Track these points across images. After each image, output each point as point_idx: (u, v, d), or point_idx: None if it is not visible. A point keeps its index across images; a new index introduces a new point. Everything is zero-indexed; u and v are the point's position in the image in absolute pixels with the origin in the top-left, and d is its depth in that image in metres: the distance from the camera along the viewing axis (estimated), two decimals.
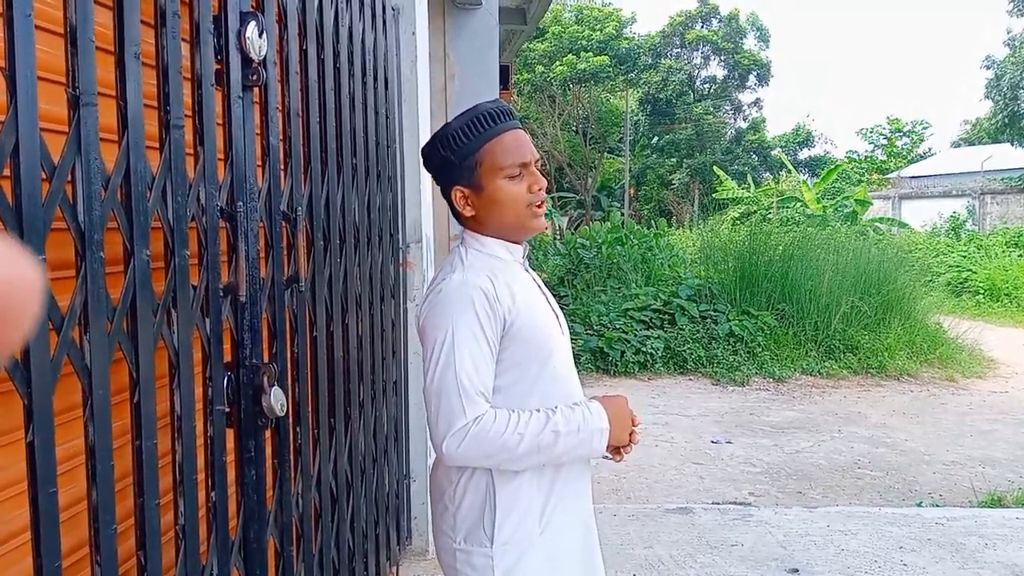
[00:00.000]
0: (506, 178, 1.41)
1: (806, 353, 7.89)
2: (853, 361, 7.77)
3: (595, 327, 8.17)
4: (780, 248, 9.09)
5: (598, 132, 27.29)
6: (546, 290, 1.55)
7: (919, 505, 4.11)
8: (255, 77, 1.74)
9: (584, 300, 9.39)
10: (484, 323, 1.32)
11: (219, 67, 1.66)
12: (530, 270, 1.53)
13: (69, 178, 1.21)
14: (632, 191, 28.50)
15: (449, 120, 1.46)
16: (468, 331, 1.31)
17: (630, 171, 27.90)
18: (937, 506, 4.11)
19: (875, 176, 26.50)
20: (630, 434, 1.45)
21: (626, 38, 27.91)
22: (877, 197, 21.94)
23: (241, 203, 1.67)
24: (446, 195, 1.47)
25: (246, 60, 1.72)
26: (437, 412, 1.30)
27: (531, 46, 26.03)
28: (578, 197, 26.70)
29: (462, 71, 7.90)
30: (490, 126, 1.42)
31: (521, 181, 1.42)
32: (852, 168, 25.14)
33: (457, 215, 1.49)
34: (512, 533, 1.35)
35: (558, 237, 15.19)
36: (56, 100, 1.24)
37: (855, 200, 17.32)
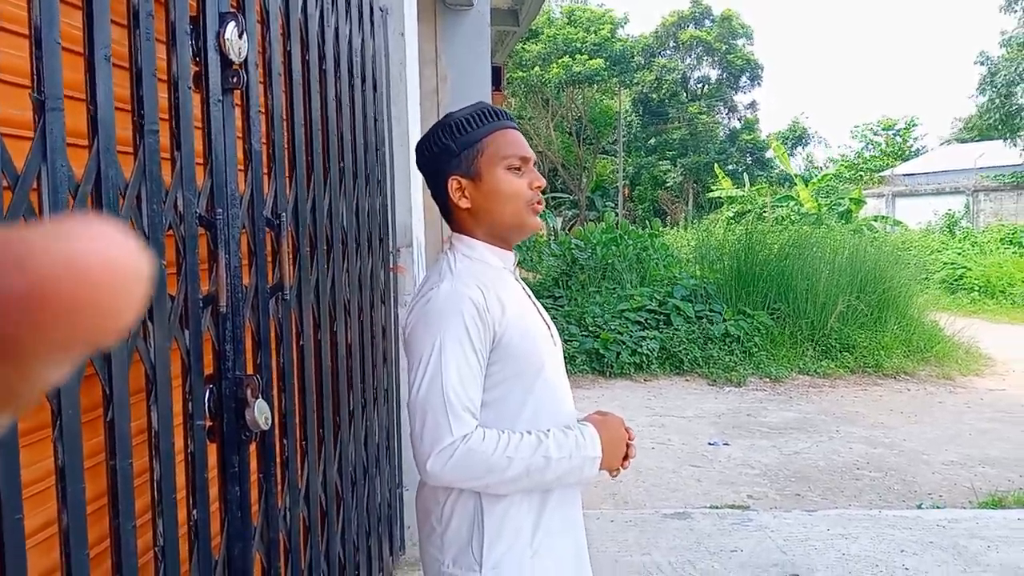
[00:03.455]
0: (507, 169, 1.36)
1: (803, 353, 7.85)
2: (850, 360, 7.74)
3: (590, 328, 8.12)
4: (776, 247, 9.06)
5: (592, 133, 27.26)
6: (535, 299, 1.50)
7: (919, 507, 4.07)
8: (235, 79, 1.68)
9: (579, 301, 9.34)
10: (473, 336, 1.27)
11: (197, 69, 1.61)
12: (519, 278, 1.48)
13: (35, 186, 1.16)
14: (626, 191, 28.48)
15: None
16: (456, 344, 1.25)
17: (624, 171, 27.88)
18: (938, 507, 4.07)
19: (869, 175, 26.53)
20: (624, 456, 1.39)
21: (620, 40, 27.91)
22: (871, 195, 21.95)
23: (221, 210, 1.62)
24: (439, 189, 1.41)
25: (226, 62, 1.67)
26: (422, 429, 1.24)
27: (525, 47, 26.00)
28: (572, 198, 26.66)
29: (454, 73, 7.85)
30: (494, 119, 1.40)
31: (522, 176, 1.38)
32: (846, 170, 25.19)
33: (448, 213, 1.43)
34: (502, 556, 1.29)
35: (552, 238, 15.15)
36: (20, 104, 1.18)
37: (850, 199, 17.33)
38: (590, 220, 23.64)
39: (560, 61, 25.68)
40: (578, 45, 26.25)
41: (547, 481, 1.29)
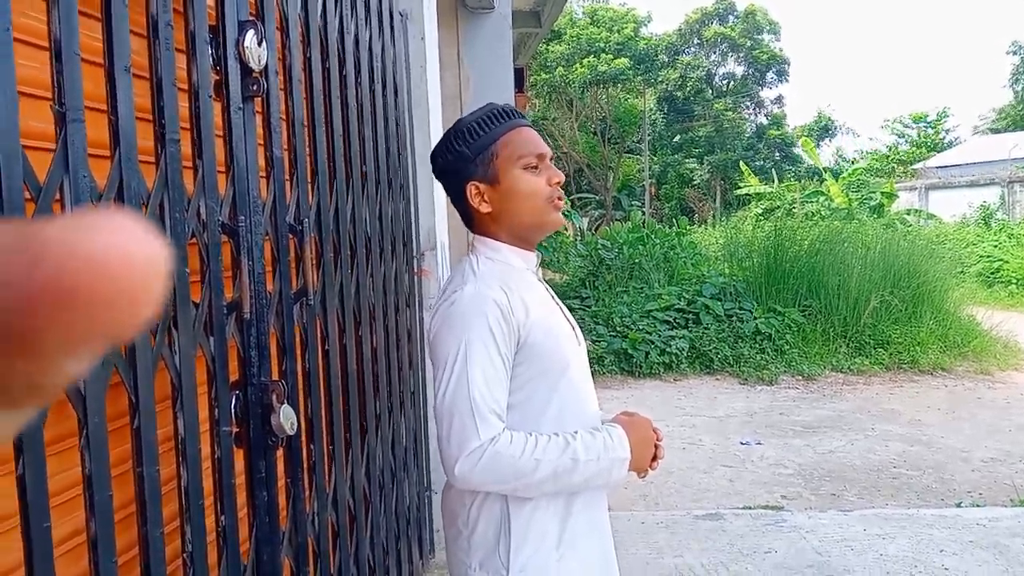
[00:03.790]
0: (524, 168, 1.35)
1: (836, 350, 7.74)
2: (884, 356, 7.60)
3: (618, 328, 8.08)
4: (806, 243, 8.94)
5: (617, 132, 27.16)
6: (558, 300, 1.48)
7: (959, 505, 3.98)
8: (255, 87, 1.69)
9: (606, 301, 9.29)
10: (498, 338, 1.26)
11: (218, 78, 1.62)
12: (542, 279, 1.46)
13: (57, 196, 1.17)
14: (653, 190, 28.32)
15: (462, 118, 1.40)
16: (481, 347, 1.24)
17: (651, 170, 27.73)
18: (978, 506, 3.97)
19: (901, 168, 26.10)
20: (652, 457, 1.37)
21: (643, 38, 27.79)
22: (903, 188, 21.60)
23: (243, 217, 1.62)
24: (458, 196, 1.41)
25: (245, 70, 1.68)
26: (449, 432, 1.23)
27: (549, 48, 25.99)
28: (598, 198, 26.58)
29: (477, 76, 7.86)
30: (506, 120, 1.38)
31: (539, 173, 1.37)
32: (877, 163, 24.81)
33: (469, 219, 1.43)
34: (529, 559, 1.28)
35: (579, 238, 15.10)
36: (42, 116, 1.19)
37: (881, 192, 17.07)
38: (616, 220, 23.53)
39: (584, 61, 25.63)
40: (601, 45, 26.18)
41: (575, 483, 1.28)
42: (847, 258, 8.55)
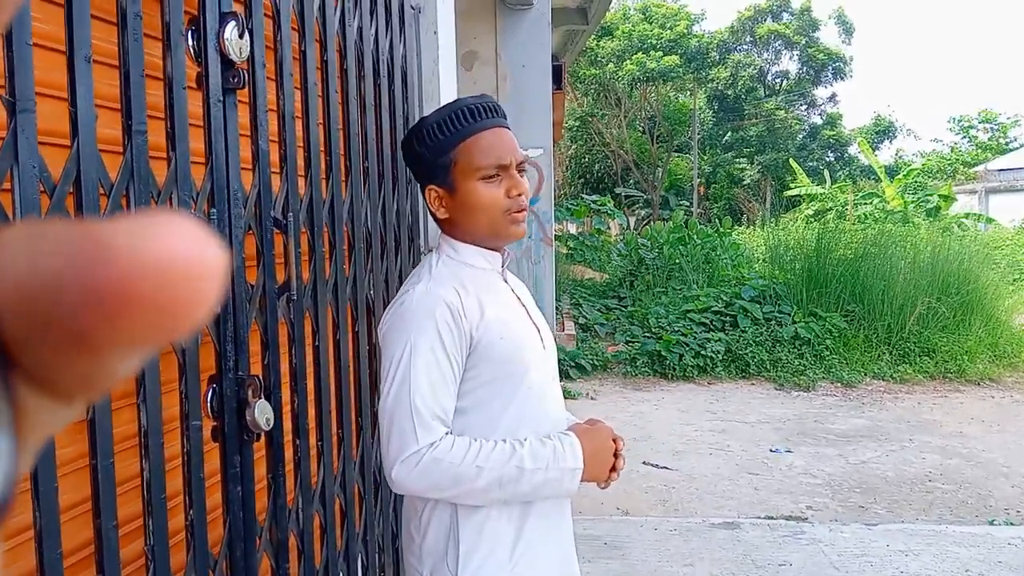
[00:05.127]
0: (482, 180, 1.30)
1: (878, 357, 7.50)
2: (929, 365, 7.34)
3: (653, 330, 7.96)
4: (852, 246, 8.68)
5: (665, 130, 26.83)
6: (529, 300, 1.43)
7: (991, 523, 3.80)
8: (236, 79, 1.68)
9: (644, 302, 9.17)
10: (446, 340, 1.22)
11: (198, 69, 1.61)
12: (511, 279, 1.42)
13: (7, 186, 1.17)
14: (702, 190, 27.92)
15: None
16: (428, 348, 1.21)
17: (700, 169, 27.34)
18: (1012, 524, 3.79)
19: (961, 170, 25.24)
20: (612, 467, 1.31)
21: (696, 36, 27.40)
22: (962, 192, 20.90)
23: (215, 209, 1.61)
24: (422, 194, 1.38)
25: (226, 62, 1.66)
26: (388, 436, 1.20)
27: (600, 44, 25.80)
28: (645, 196, 26.30)
29: (515, 71, 7.84)
30: (467, 123, 1.31)
31: (499, 184, 1.31)
32: (936, 164, 24.04)
33: (434, 217, 1.39)
34: (478, 568, 1.24)
35: (621, 238, 14.95)
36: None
37: (938, 195, 16.54)
38: (663, 219, 23.27)
39: (635, 58, 25.37)
40: (653, 42, 25.89)
41: (523, 493, 1.23)
42: (894, 262, 8.28)
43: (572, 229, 15.53)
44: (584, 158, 26.99)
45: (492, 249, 1.36)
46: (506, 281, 1.38)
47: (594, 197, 16.73)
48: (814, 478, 4.67)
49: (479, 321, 1.25)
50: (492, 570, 1.25)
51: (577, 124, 26.15)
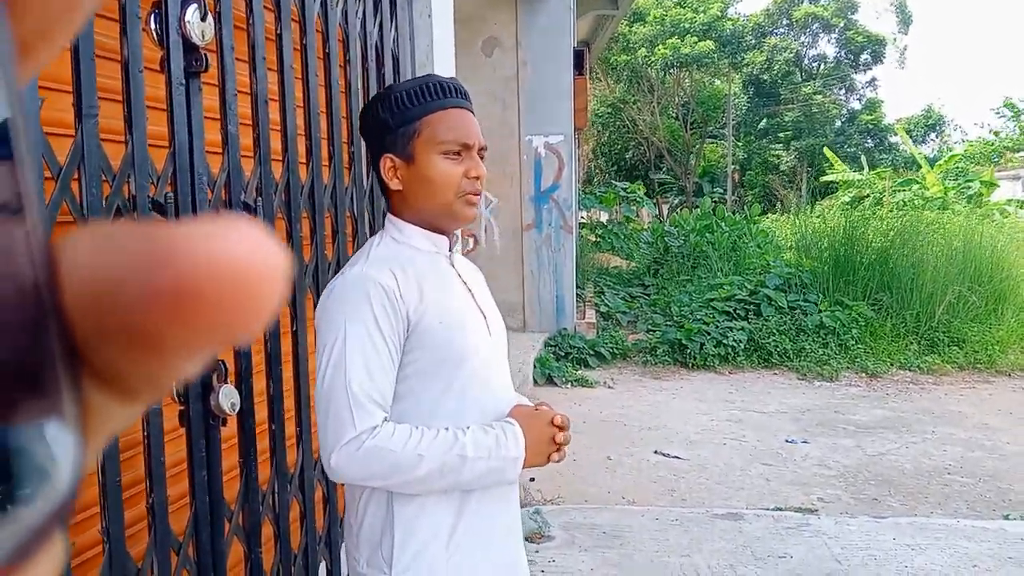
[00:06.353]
0: (442, 155, 1.27)
1: (905, 346, 7.33)
2: (958, 355, 7.15)
3: (675, 318, 7.87)
4: (881, 233, 8.48)
5: (699, 116, 26.47)
6: (480, 285, 1.41)
7: (1006, 518, 3.69)
8: (198, 63, 1.67)
9: (668, 290, 9.08)
10: (382, 323, 1.19)
11: (160, 52, 1.61)
12: (460, 263, 1.39)
13: None
14: (736, 176, 27.52)
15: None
16: (363, 331, 1.19)
17: (734, 156, 26.95)
18: None
19: (1006, 156, 24.49)
20: (556, 448, 1.28)
21: (730, 19, 26.94)
22: (1006, 178, 20.30)
23: (171, 192, 1.61)
24: (374, 165, 1.35)
25: (189, 45, 1.66)
26: (325, 422, 1.18)
27: (632, 29, 25.50)
28: (679, 183, 26.01)
29: (534, 58, 7.77)
30: (437, 97, 1.29)
31: (459, 163, 1.28)
32: (979, 149, 23.37)
33: (384, 192, 1.37)
34: (413, 559, 1.22)
35: (651, 225, 14.80)
36: None
37: (980, 181, 16.09)
38: (696, 206, 23.00)
39: (668, 43, 25.02)
40: (686, 26, 25.51)
41: (464, 482, 1.21)
42: (925, 249, 8.07)
43: (603, 217, 15.41)
44: (616, 145, 26.75)
45: (439, 232, 1.33)
46: (453, 265, 1.35)
47: (624, 184, 16.57)
48: (828, 469, 4.58)
49: (417, 304, 1.22)
50: (427, 560, 1.23)
51: (609, 111, 25.91)
